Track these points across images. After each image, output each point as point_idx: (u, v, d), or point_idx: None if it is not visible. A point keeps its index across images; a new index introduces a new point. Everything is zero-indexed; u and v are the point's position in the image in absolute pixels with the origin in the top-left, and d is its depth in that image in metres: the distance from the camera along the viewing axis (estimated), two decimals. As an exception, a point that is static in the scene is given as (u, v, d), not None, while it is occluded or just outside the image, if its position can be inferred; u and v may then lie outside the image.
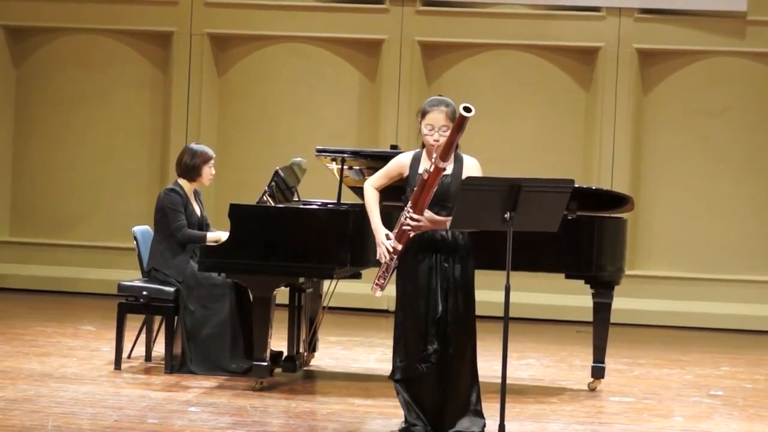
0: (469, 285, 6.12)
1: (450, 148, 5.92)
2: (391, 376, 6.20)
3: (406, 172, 6.16)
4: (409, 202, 6.02)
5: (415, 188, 6.01)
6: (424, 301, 6.05)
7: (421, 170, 6.07)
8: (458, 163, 6.10)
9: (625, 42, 11.70)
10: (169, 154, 11.99)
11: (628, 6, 11.69)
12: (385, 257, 6.09)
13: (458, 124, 5.89)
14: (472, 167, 6.13)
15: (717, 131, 11.72)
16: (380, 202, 6.24)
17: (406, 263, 6.10)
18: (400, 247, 6.06)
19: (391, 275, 6.17)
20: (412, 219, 5.99)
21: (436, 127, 6.04)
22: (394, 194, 6.36)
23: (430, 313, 6.05)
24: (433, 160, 5.96)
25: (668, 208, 11.77)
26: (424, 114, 6.09)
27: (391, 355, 6.23)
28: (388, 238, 6.09)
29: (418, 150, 6.20)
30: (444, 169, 5.97)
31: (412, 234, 6.03)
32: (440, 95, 6.21)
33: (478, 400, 6.15)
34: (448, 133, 5.99)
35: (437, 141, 6.01)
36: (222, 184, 11.47)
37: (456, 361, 6.06)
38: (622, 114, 11.70)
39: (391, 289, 6.22)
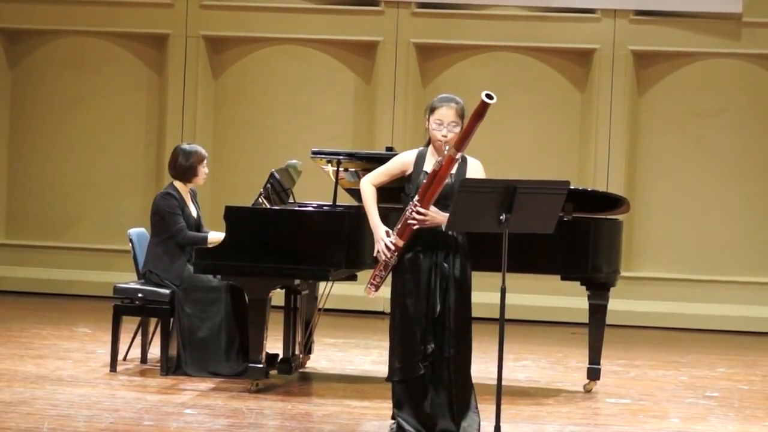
0: (466, 285, 6.11)
1: (467, 138, 5.91)
2: (389, 378, 6.17)
3: (410, 170, 6.14)
4: (416, 196, 5.99)
5: (424, 181, 5.98)
6: (424, 300, 6.03)
7: (426, 167, 6.05)
8: (462, 164, 6.09)
9: (620, 44, 11.71)
10: (164, 156, 11.94)
11: (623, 8, 11.70)
12: (385, 255, 6.05)
13: (478, 112, 5.87)
14: (475, 168, 6.13)
15: (712, 133, 11.73)
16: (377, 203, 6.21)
17: (406, 261, 6.06)
18: (401, 243, 6.02)
19: (387, 275, 6.13)
20: (418, 213, 5.95)
21: (445, 122, 6.04)
22: (390, 195, 6.35)
23: (429, 312, 6.03)
24: (446, 150, 5.95)
25: (664, 209, 11.77)
26: (433, 110, 6.08)
27: (386, 356, 6.22)
28: (388, 235, 6.06)
29: (423, 148, 6.18)
30: (458, 160, 5.96)
31: (416, 227, 5.98)
32: (449, 94, 6.19)
33: (475, 399, 6.15)
34: (456, 129, 6.01)
35: (445, 137, 6.01)
36: (217, 185, 11.48)
37: (454, 362, 6.04)
38: (617, 116, 11.70)
39: (387, 291, 6.20)
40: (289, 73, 12.12)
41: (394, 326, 6.14)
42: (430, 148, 6.13)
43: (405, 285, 6.07)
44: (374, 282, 6.16)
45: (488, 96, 5.85)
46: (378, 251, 6.08)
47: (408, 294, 6.06)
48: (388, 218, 6.25)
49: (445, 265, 6.04)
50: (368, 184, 6.22)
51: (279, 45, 12.15)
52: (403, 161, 6.19)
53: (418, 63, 11.96)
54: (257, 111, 12.15)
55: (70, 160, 12.34)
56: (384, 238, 6.06)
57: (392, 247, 6.03)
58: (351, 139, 11.92)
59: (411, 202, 6.00)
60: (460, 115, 6.06)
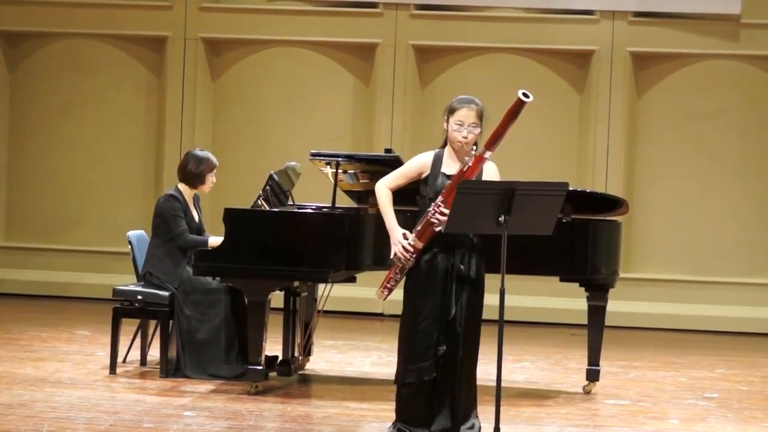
0: (482, 286, 6.07)
1: (500, 137, 5.89)
2: (400, 380, 6.08)
3: (427, 172, 6.09)
4: (439, 196, 5.97)
5: (449, 182, 5.94)
6: (439, 301, 5.98)
7: (444, 168, 6.02)
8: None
9: (619, 45, 11.71)
10: (163, 158, 11.99)
11: (622, 9, 11.71)
12: (403, 257, 6.01)
13: (514, 110, 5.87)
14: (491, 172, 6.10)
15: (711, 134, 11.74)
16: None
17: (422, 263, 6.00)
18: (420, 245, 5.97)
19: (402, 278, 6.07)
20: (441, 214, 5.90)
21: (465, 123, 6.02)
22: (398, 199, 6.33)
23: (443, 314, 6.00)
24: (474, 151, 5.92)
25: (662, 210, 11.78)
26: (453, 111, 6.04)
27: (388, 358, 6.21)
28: (405, 237, 6.02)
29: (439, 149, 6.14)
30: (487, 159, 5.95)
31: (437, 229, 5.93)
32: (468, 96, 6.15)
33: (476, 404, 6.15)
34: (477, 131, 6.01)
35: (466, 138, 6.00)
36: (216, 188, 11.35)
37: (461, 363, 6.01)
38: (616, 117, 11.71)
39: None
40: (287, 75, 12.12)
41: (407, 328, 6.05)
42: (448, 149, 6.10)
43: (421, 286, 6.01)
44: (388, 285, 6.10)
45: (525, 95, 5.82)
46: (394, 254, 6.03)
47: (424, 295, 6.00)
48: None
49: (462, 266, 6.00)
50: (384, 188, 6.16)
51: (278, 47, 12.16)
52: (420, 163, 6.14)
53: (416, 65, 11.97)
54: (256, 113, 12.15)
55: (69, 163, 12.34)
56: (401, 240, 6.00)
57: (410, 249, 5.98)
58: (350, 140, 11.92)
59: (434, 203, 5.96)
60: (480, 116, 6.05)
